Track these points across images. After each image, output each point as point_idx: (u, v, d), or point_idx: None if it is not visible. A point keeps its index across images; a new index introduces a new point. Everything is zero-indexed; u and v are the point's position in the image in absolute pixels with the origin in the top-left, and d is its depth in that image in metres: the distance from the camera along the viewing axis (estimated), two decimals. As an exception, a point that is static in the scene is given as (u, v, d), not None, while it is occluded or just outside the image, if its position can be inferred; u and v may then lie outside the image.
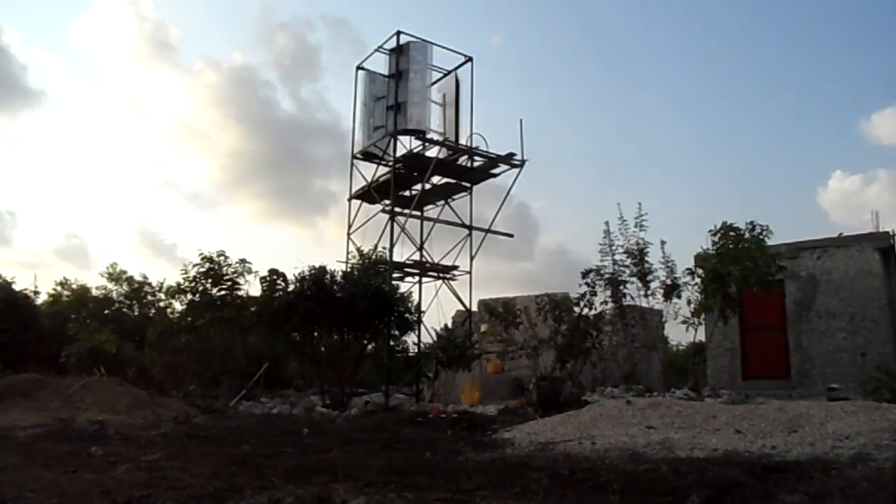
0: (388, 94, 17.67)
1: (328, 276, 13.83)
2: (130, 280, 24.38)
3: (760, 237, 12.35)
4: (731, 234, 12.52)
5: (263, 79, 56.06)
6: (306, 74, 55.93)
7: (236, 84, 52.84)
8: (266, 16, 53.97)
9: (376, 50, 18.16)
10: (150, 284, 24.21)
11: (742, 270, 12.17)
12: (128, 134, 54.21)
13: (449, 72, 18.37)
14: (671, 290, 13.37)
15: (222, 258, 15.40)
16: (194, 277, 15.19)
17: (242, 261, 15.49)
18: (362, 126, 18.32)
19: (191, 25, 58.67)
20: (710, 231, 12.83)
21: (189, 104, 53.46)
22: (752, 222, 12.50)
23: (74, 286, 24.58)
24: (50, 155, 53.02)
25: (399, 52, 17.51)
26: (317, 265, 13.98)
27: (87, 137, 53.96)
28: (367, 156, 18.20)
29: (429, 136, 17.48)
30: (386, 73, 18.04)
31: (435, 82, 18.66)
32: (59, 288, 24.69)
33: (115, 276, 24.29)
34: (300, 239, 54.53)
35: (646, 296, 13.72)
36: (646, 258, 13.65)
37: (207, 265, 15.16)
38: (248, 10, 58.98)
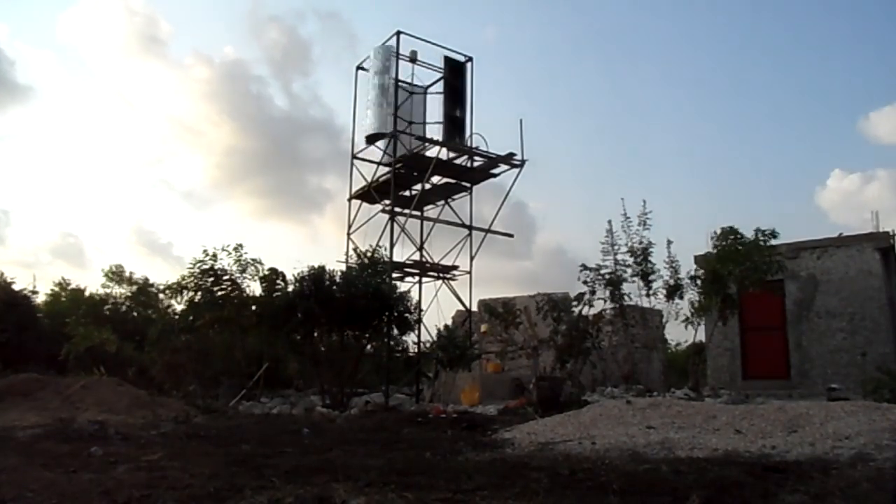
0: (383, 94, 17.44)
1: (328, 276, 13.82)
2: (131, 279, 24.37)
3: (762, 240, 12.36)
4: (732, 237, 12.52)
5: (255, 74, 56.17)
6: (298, 69, 55.96)
7: (228, 79, 52.86)
8: (256, 9, 53.91)
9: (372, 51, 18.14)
10: (152, 286, 24.20)
11: (741, 271, 12.18)
12: (120, 130, 54.29)
13: (445, 68, 18.30)
14: (674, 291, 13.37)
15: (237, 253, 14.98)
16: (197, 275, 15.01)
17: (255, 261, 15.22)
18: (377, 109, 18.06)
19: (181, 19, 58.60)
20: (712, 237, 12.85)
21: (181, 100, 53.44)
22: (757, 228, 12.54)
23: (72, 287, 24.61)
24: (42, 152, 53.00)
25: (387, 54, 17.49)
26: (316, 265, 13.99)
27: (78, 134, 54.00)
28: (375, 138, 17.90)
29: (421, 135, 17.42)
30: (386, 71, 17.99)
31: (435, 82, 18.67)
32: (56, 288, 24.73)
33: (118, 278, 24.27)
34: (296, 237, 54.57)
35: (647, 295, 13.73)
36: (649, 257, 13.63)
37: (211, 262, 14.96)
38: (238, 3, 58.87)
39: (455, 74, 17.86)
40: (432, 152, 17.39)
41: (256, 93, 52.41)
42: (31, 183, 52.75)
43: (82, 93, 54.43)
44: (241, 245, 15.03)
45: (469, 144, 17.43)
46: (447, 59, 17.92)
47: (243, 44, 60.62)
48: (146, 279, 24.79)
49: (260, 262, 15.04)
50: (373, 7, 57.92)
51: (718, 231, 12.83)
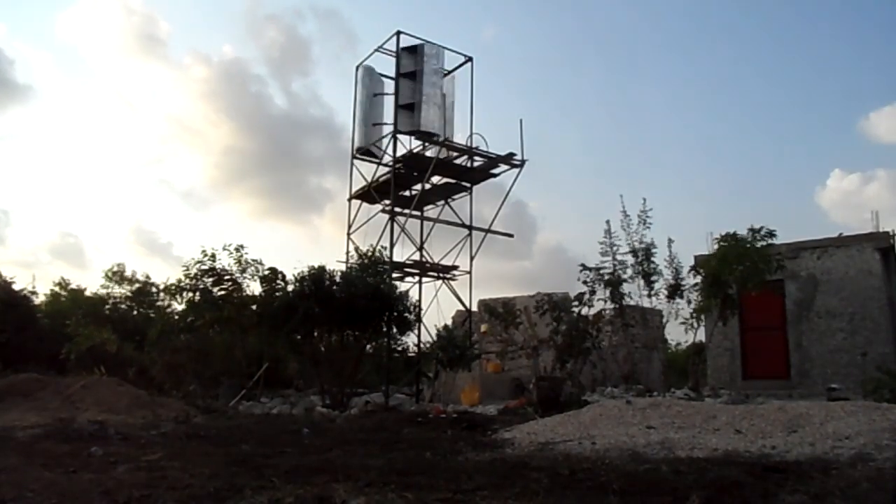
0: (397, 93, 17.44)
1: (327, 276, 13.82)
2: (132, 280, 24.36)
3: (761, 239, 12.34)
4: (733, 241, 12.50)
5: (254, 73, 56.02)
6: (297, 68, 55.85)
7: (227, 78, 52.78)
8: (254, 7, 53.82)
9: (376, 50, 18.18)
10: (153, 285, 24.19)
11: (742, 272, 12.16)
12: (119, 130, 54.26)
13: (449, 72, 18.36)
14: (674, 291, 13.34)
15: (238, 254, 14.97)
16: (195, 275, 15.01)
17: (256, 261, 15.20)
18: (362, 125, 18.28)
19: (179, 18, 58.43)
20: (716, 239, 12.82)
21: (180, 100, 53.39)
22: (753, 227, 12.51)
23: (72, 287, 24.60)
24: (41, 152, 52.92)
25: (413, 53, 17.41)
26: (316, 265, 13.99)
27: (77, 134, 53.96)
28: (367, 154, 18.15)
29: (436, 137, 17.42)
30: (386, 71, 18.05)
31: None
32: (56, 288, 24.72)
33: (119, 278, 24.25)
34: (296, 237, 54.53)
35: (649, 296, 13.68)
36: (651, 258, 13.55)
37: (210, 262, 14.95)
38: (236, 1, 58.68)
39: (408, 59, 17.69)
40: (432, 152, 17.41)
41: (255, 92, 52.43)
42: (30, 183, 52.80)
43: (81, 92, 54.50)
44: (242, 245, 15.06)
45: (469, 144, 17.45)
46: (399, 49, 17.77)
47: (242, 43, 60.52)
48: (147, 276, 24.81)
49: (260, 263, 15.05)
50: (372, 5, 57.93)
51: (719, 236, 12.80)
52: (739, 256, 12.21)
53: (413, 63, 17.30)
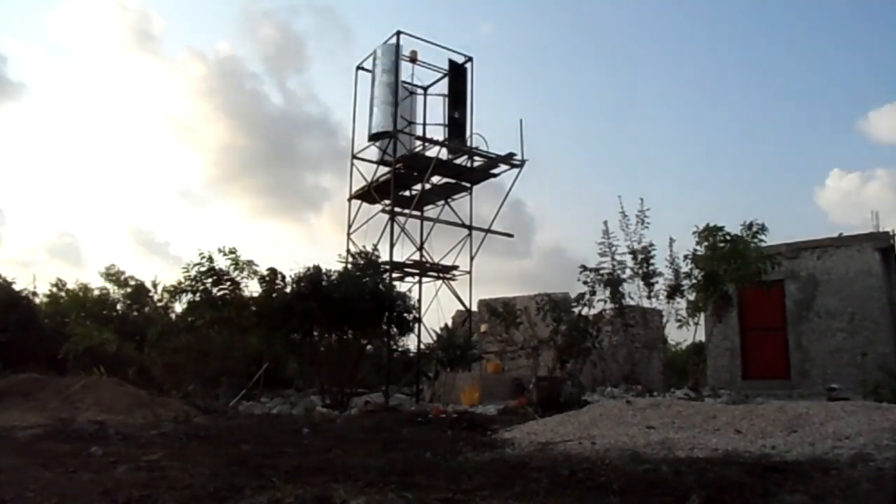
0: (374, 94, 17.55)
1: (324, 276, 13.79)
2: (128, 281, 24.25)
3: (754, 235, 12.32)
4: (717, 234, 12.46)
5: (250, 70, 55.52)
6: (293, 65, 55.48)
7: (223, 76, 52.37)
8: (249, 3, 53.47)
9: (376, 50, 18.15)
10: (152, 286, 24.08)
11: (733, 269, 12.12)
12: (115, 128, 53.92)
13: (445, 74, 18.34)
14: (674, 291, 13.32)
15: (232, 255, 14.98)
16: (195, 276, 14.97)
17: (249, 262, 15.21)
18: (379, 112, 18.13)
19: (174, 15, 57.79)
20: (694, 232, 12.80)
21: (176, 97, 53.05)
22: (747, 222, 12.49)
23: (74, 286, 24.50)
24: (36, 150, 52.37)
25: (395, 53, 17.42)
26: (312, 265, 13.95)
27: (73, 131, 53.43)
28: (380, 136, 17.96)
29: (422, 135, 17.41)
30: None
31: (435, 82, 18.72)
32: (54, 289, 24.60)
33: (115, 279, 24.14)
34: (294, 236, 54.18)
35: (648, 297, 13.65)
36: (650, 260, 13.48)
37: (209, 264, 14.92)
38: (231, -3, 58.27)
39: (457, 77, 17.90)
40: (432, 152, 17.42)
41: (251, 90, 52.08)
42: (26, 181, 52.45)
43: (76, 90, 54.01)
44: (234, 248, 15.03)
45: (469, 144, 17.45)
46: (451, 63, 17.95)
47: (237, 40, 60.02)
48: (132, 277, 24.65)
49: (255, 264, 15.03)
50: (367, 1, 57.66)
51: (701, 227, 12.74)
52: (732, 253, 12.18)
53: (384, 64, 17.43)
